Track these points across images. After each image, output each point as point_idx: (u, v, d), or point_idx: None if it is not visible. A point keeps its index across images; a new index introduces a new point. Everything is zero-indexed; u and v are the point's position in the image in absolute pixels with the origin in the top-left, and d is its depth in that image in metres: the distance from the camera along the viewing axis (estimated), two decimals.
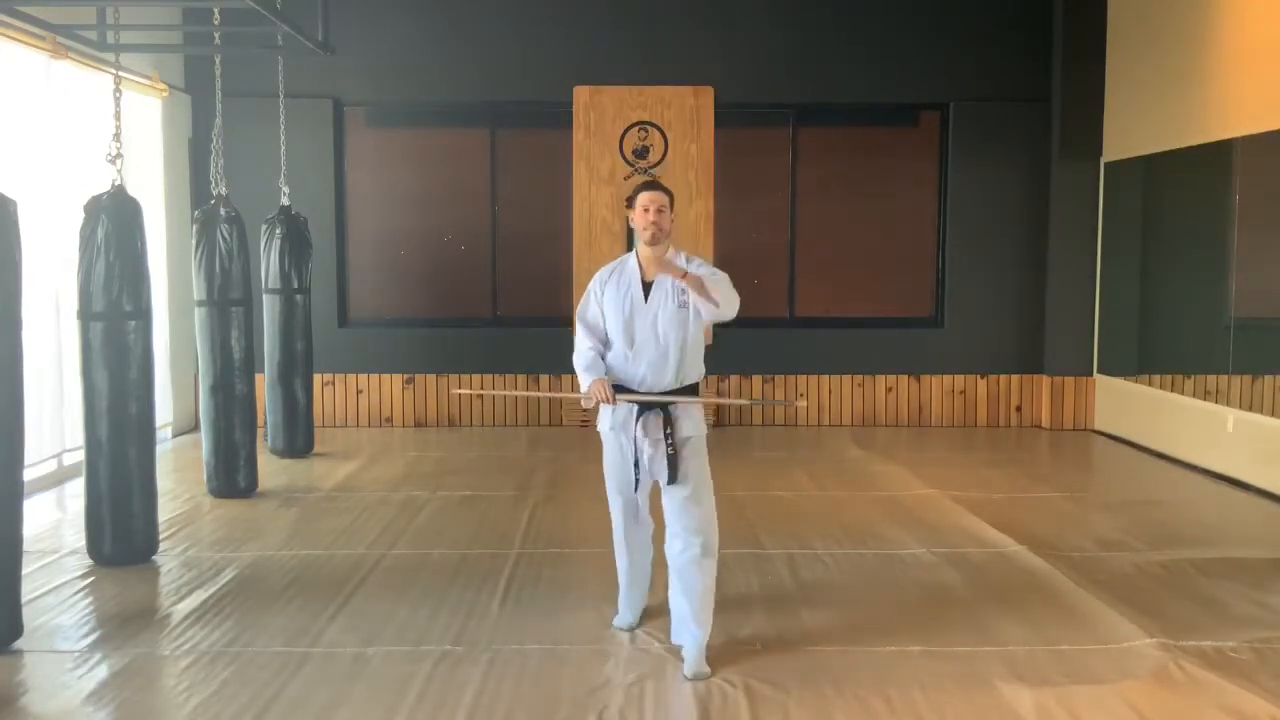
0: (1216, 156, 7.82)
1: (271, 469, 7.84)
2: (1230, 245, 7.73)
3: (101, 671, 4.27)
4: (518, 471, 7.99)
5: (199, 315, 6.99)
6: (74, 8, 6.93)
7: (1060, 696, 4.01)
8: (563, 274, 9.58)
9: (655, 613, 4.81)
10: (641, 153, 9.63)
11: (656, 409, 4.36)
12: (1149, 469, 8.24)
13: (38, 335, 6.92)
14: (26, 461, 4.78)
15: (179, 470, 7.88)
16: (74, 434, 7.21)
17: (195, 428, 8.75)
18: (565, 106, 9.61)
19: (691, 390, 4.45)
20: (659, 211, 4.41)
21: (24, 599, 4.68)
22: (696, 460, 4.39)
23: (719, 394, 9.76)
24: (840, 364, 9.95)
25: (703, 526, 4.35)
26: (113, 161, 5.58)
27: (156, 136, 8.93)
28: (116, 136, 5.65)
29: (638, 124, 9.63)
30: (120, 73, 5.88)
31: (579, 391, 4.50)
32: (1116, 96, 9.32)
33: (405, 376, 9.89)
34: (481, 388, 9.83)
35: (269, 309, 8.20)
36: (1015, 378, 10.00)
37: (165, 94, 8.90)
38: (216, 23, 7.30)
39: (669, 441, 4.33)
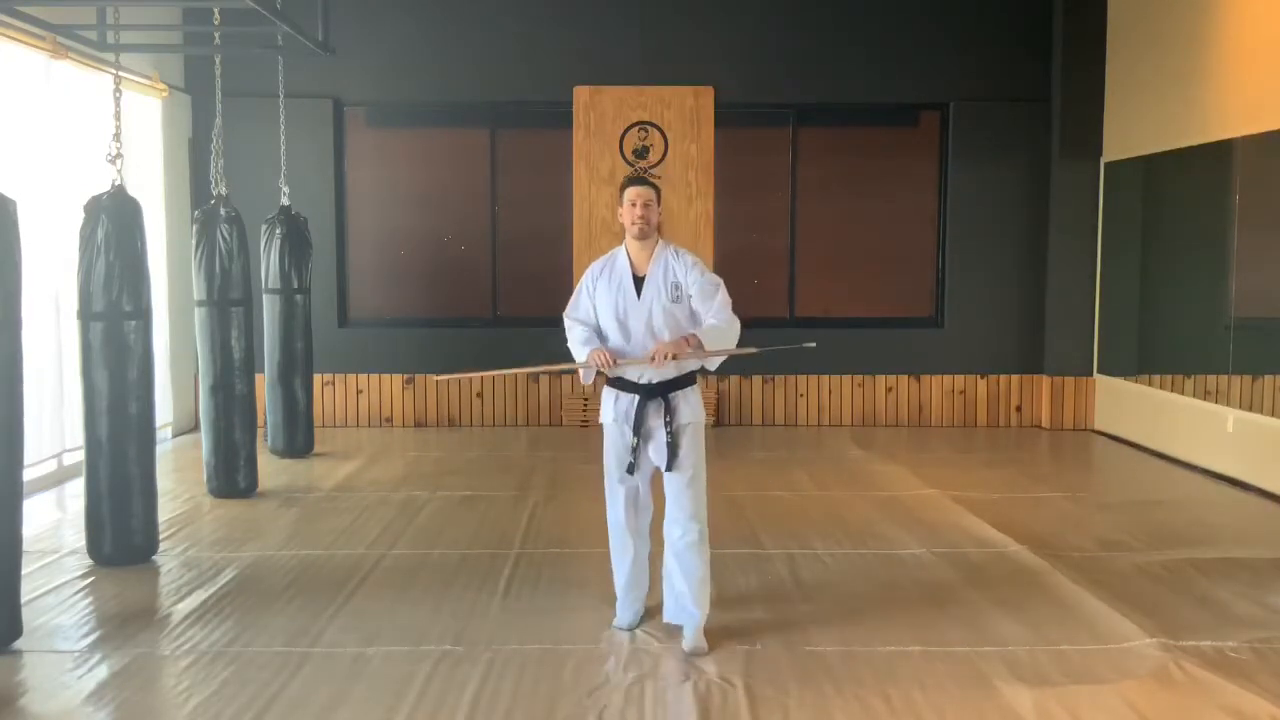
0: (1216, 156, 7.82)
1: (271, 469, 7.84)
2: (1230, 245, 7.73)
3: (101, 671, 4.27)
4: (518, 471, 7.99)
5: (199, 315, 6.99)
6: (74, 8, 6.93)
7: (1060, 696, 4.01)
8: (563, 274, 9.57)
9: (655, 612, 4.81)
10: (641, 153, 9.63)
11: (658, 397, 4.49)
12: (1149, 469, 8.24)
13: (38, 335, 6.92)
14: (26, 461, 4.78)
15: (179, 470, 7.89)
16: (74, 434, 7.21)
17: (195, 428, 8.75)
18: (565, 106, 9.61)
19: (690, 379, 4.59)
20: (645, 206, 4.51)
21: (24, 599, 4.69)
22: (695, 446, 4.56)
23: (718, 394, 9.77)
24: (840, 364, 9.96)
25: (698, 510, 4.55)
26: (113, 161, 5.58)
27: (156, 136, 8.93)
28: (116, 136, 5.65)
29: (638, 124, 9.63)
30: (120, 73, 5.88)
31: (579, 380, 4.59)
32: (1116, 96, 9.32)
33: (405, 376, 9.89)
34: (482, 383, 9.84)
35: (269, 309, 8.20)
36: (1015, 378, 10.00)
37: (165, 94, 8.90)
38: (216, 23, 7.31)
39: (669, 428, 4.48)
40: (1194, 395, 8.20)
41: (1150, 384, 8.87)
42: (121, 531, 5.54)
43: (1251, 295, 7.63)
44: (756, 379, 9.93)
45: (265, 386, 8.29)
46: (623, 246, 4.64)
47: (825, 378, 9.97)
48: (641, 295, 4.52)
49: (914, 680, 4.16)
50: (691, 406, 4.56)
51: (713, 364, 4.61)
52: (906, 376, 9.99)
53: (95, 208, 5.48)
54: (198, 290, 6.97)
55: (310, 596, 5.13)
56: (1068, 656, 4.40)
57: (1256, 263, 7.58)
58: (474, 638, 4.59)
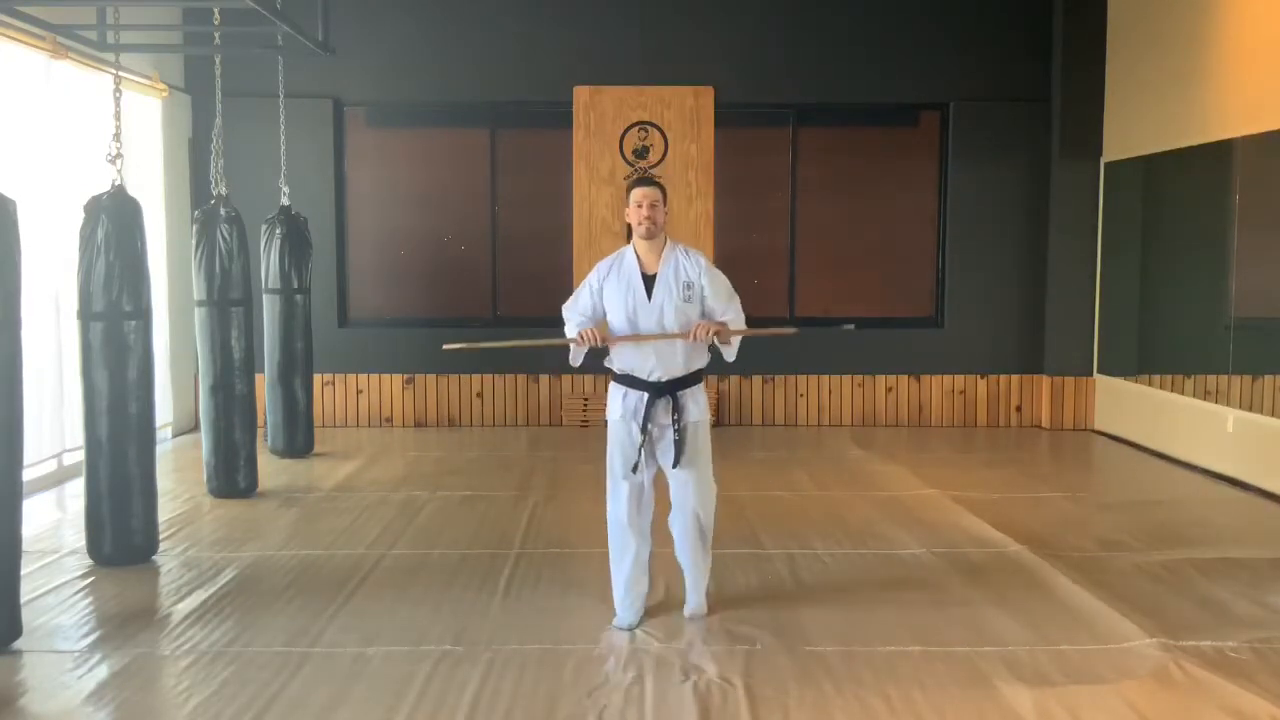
0: (1216, 156, 7.82)
1: (271, 469, 7.84)
2: (1230, 245, 7.72)
3: (101, 671, 4.27)
4: (518, 471, 7.99)
5: (199, 315, 6.99)
6: (74, 8, 6.93)
7: (1060, 696, 4.01)
8: (563, 274, 9.57)
9: (655, 612, 4.82)
10: (641, 153, 9.63)
11: (666, 395, 4.57)
12: (1149, 469, 8.24)
13: (38, 335, 6.92)
14: (26, 461, 4.78)
15: (179, 470, 7.89)
16: (74, 434, 7.21)
17: (195, 428, 8.75)
18: (565, 106, 9.61)
19: (697, 378, 4.67)
20: (652, 206, 4.59)
21: (24, 599, 4.69)
22: (701, 444, 4.66)
23: (718, 394, 9.77)
24: (840, 364, 9.96)
25: (703, 505, 4.71)
26: (113, 161, 5.58)
27: (156, 136, 8.93)
28: (116, 136, 5.65)
29: (638, 124, 9.63)
30: (120, 73, 5.88)
31: (575, 368, 4.85)
32: (1116, 96, 9.32)
33: (405, 376, 9.89)
34: (481, 383, 9.85)
35: (269, 309, 8.20)
36: (1015, 378, 10.00)
37: (165, 94, 8.90)
38: (216, 23, 7.31)
39: (676, 426, 4.56)
40: (1194, 395, 8.20)
41: (1150, 384, 8.87)
42: (121, 531, 5.54)
43: (1251, 295, 7.63)
44: (756, 379, 9.93)
45: (265, 386, 8.29)
46: (630, 246, 4.69)
47: (825, 378, 9.97)
48: (653, 294, 4.59)
49: (914, 680, 4.16)
50: (699, 404, 4.66)
51: (731, 353, 4.73)
52: (906, 376, 9.99)
53: (95, 208, 5.48)
54: (198, 290, 6.97)
55: (310, 596, 5.13)
56: (1068, 656, 4.40)
57: (1256, 263, 7.58)
58: (474, 638, 4.59)
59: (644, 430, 4.57)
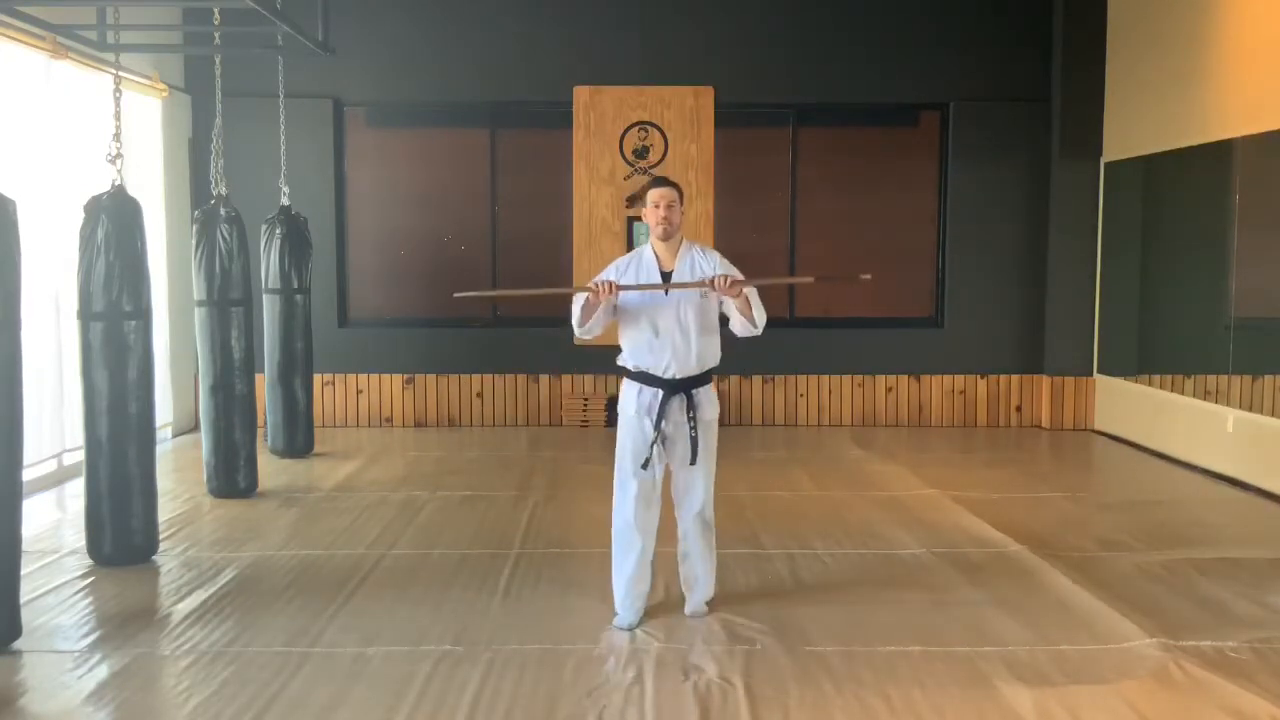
0: (1216, 156, 7.82)
1: (271, 469, 7.84)
2: (1230, 245, 7.72)
3: (101, 671, 4.27)
4: (518, 471, 7.99)
5: (199, 315, 6.99)
6: (74, 8, 6.93)
7: (1060, 696, 4.01)
8: (563, 274, 9.57)
9: (655, 612, 4.82)
10: (641, 153, 9.63)
11: (680, 393, 4.62)
12: (1149, 469, 8.24)
13: (38, 335, 6.92)
14: (26, 461, 4.78)
15: (179, 470, 7.89)
16: (74, 434, 7.21)
17: (195, 428, 8.75)
18: (565, 106, 9.61)
19: (707, 377, 4.74)
20: (669, 207, 4.65)
21: (24, 599, 4.69)
22: (712, 442, 4.74)
23: (719, 394, 9.74)
24: (840, 364, 9.96)
25: (709, 502, 4.79)
26: (113, 161, 5.58)
27: (156, 136, 8.93)
28: (116, 136, 5.65)
29: (638, 124, 9.63)
30: (120, 73, 5.88)
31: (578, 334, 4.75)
32: (1116, 96, 9.32)
33: (405, 376, 9.89)
34: (482, 383, 9.85)
35: (269, 309, 8.20)
36: (1015, 378, 10.00)
37: (165, 94, 8.90)
38: (216, 23, 7.31)
39: (692, 424, 4.61)
40: (1194, 395, 8.20)
41: (1150, 384, 8.87)
42: (121, 531, 5.54)
43: (1251, 295, 7.62)
44: (756, 379, 9.93)
45: (265, 386, 8.29)
46: (648, 245, 4.76)
47: (825, 378, 9.97)
48: (670, 291, 4.64)
49: (914, 680, 4.16)
50: (712, 402, 4.75)
51: (760, 312, 4.68)
52: (906, 376, 9.99)
53: (95, 208, 5.48)
54: (198, 290, 6.97)
55: (310, 596, 5.13)
56: (1068, 656, 4.40)
57: (1256, 263, 7.58)
58: (474, 638, 4.59)
59: (658, 426, 4.61)
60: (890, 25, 9.78)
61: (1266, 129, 7.15)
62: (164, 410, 8.24)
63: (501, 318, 9.95)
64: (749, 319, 4.65)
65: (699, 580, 4.85)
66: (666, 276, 4.66)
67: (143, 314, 5.54)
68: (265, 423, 8.42)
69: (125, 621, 4.80)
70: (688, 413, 4.63)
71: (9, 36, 6.70)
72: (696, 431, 4.63)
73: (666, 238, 4.66)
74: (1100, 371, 9.67)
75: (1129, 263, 9.30)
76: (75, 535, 5.99)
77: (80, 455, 5.80)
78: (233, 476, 7.01)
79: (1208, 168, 8.05)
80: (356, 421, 9.88)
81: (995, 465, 8.35)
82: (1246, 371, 7.58)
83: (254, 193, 8.72)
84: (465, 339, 9.87)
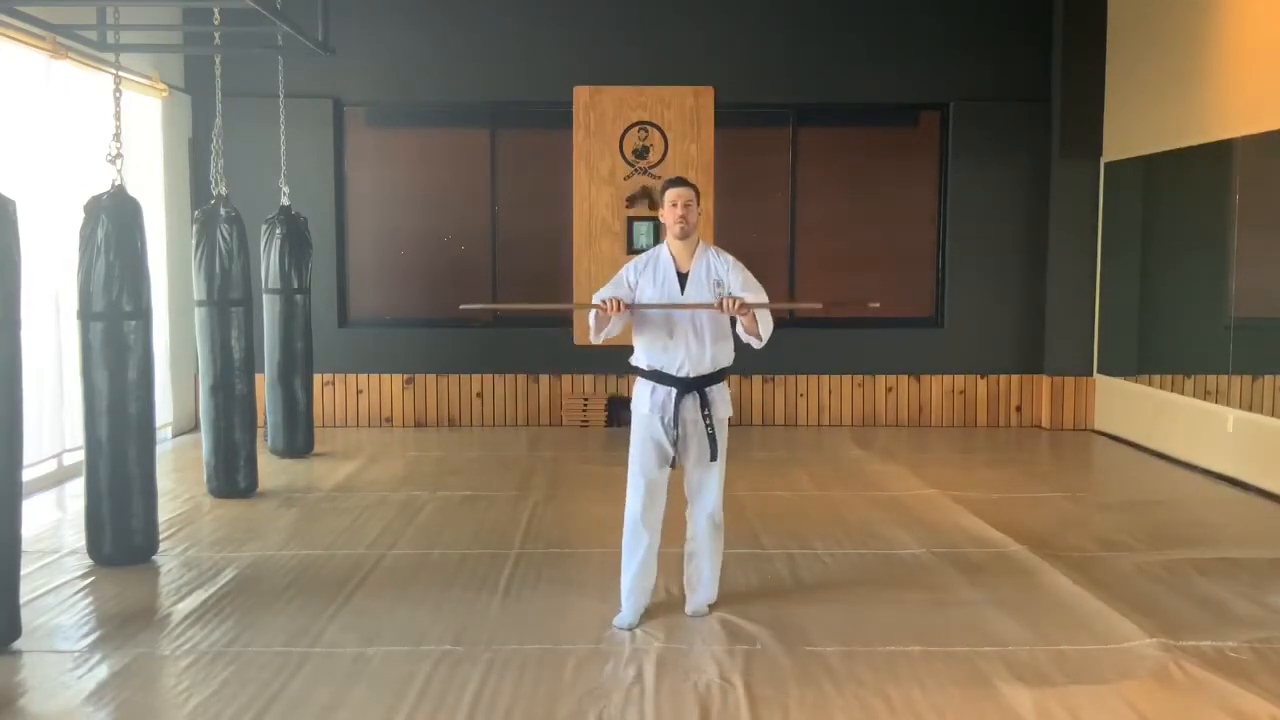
0: (1216, 156, 7.82)
1: (271, 469, 7.84)
2: (1230, 245, 7.72)
3: (101, 671, 4.27)
4: (518, 471, 7.99)
5: (199, 315, 6.99)
6: (74, 8, 6.93)
7: (1060, 696, 4.01)
8: (563, 274, 9.58)
9: (655, 612, 4.82)
10: (641, 153, 9.63)
11: (694, 391, 4.67)
12: (1149, 469, 8.24)
13: (38, 335, 6.92)
14: (26, 461, 4.78)
15: (179, 470, 7.89)
16: (74, 434, 7.21)
17: (195, 428, 8.75)
18: (565, 106, 9.61)
19: (721, 375, 4.78)
20: (686, 206, 4.72)
21: (24, 599, 4.69)
22: (724, 440, 4.78)
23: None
24: (840, 364, 9.96)
25: (719, 502, 4.83)
26: (113, 161, 5.58)
27: (156, 136, 8.93)
28: (116, 136, 5.65)
29: (638, 124, 9.63)
30: (120, 73, 5.88)
31: (591, 338, 4.78)
32: (1116, 96, 9.32)
33: (405, 376, 9.89)
34: (482, 383, 9.86)
35: (269, 309, 8.20)
36: (1015, 378, 10.00)
37: (165, 94, 8.90)
38: (216, 23, 7.30)
39: (708, 423, 4.67)
40: (1194, 395, 8.20)
41: (1150, 384, 8.87)
42: (121, 531, 5.54)
43: (1251, 295, 7.63)
44: (756, 379, 9.93)
45: (265, 386, 8.29)
46: (664, 245, 4.81)
47: (825, 378, 9.97)
48: (685, 290, 4.71)
49: (914, 680, 4.16)
50: (725, 401, 4.79)
51: (766, 328, 4.71)
52: (906, 376, 9.99)
53: (95, 208, 5.48)
54: (198, 290, 6.97)
55: (310, 596, 5.13)
56: (1068, 656, 4.40)
57: (1256, 263, 7.58)
58: (474, 638, 4.59)
59: (674, 425, 4.65)
60: (890, 25, 9.78)
61: (1266, 129, 7.15)
62: (164, 410, 8.25)
63: (501, 318, 9.95)
64: (754, 335, 4.72)
65: (703, 581, 4.86)
66: (682, 277, 4.72)
67: (143, 314, 5.54)
68: (265, 423, 8.42)
69: (125, 621, 4.80)
70: (702, 411, 4.67)
71: (9, 36, 6.70)
72: (713, 429, 4.68)
73: (684, 236, 4.71)
74: (1100, 371, 9.67)
75: (1129, 263, 9.30)
76: (75, 535, 5.99)
77: (80, 455, 5.80)
78: (233, 476, 7.01)
79: (1208, 168, 8.05)
80: (356, 421, 9.88)
81: (995, 465, 8.35)
82: (1246, 371, 7.58)
83: (254, 193, 8.72)
84: (465, 339, 9.87)
